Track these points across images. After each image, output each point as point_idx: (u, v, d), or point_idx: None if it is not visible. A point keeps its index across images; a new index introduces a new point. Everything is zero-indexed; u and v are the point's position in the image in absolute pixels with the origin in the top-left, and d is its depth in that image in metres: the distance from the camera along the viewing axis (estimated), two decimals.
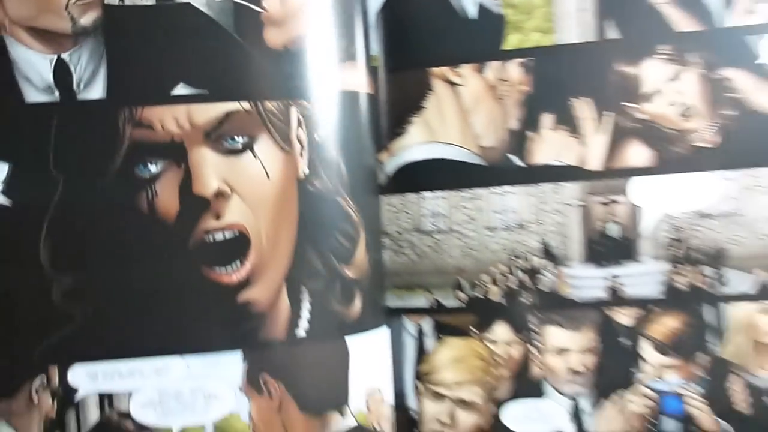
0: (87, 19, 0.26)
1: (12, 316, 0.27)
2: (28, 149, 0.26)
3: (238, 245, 0.27)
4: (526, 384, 0.29)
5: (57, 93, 0.27)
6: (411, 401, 0.30)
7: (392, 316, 0.30)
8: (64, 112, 0.26)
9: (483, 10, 0.28)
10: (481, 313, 0.29)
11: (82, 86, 0.26)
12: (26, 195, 0.27)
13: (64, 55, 0.26)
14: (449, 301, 0.29)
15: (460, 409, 0.30)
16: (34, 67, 0.26)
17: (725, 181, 0.27)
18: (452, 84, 0.29)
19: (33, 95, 0.26)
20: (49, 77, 0.26)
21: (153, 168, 0.26)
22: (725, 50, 0.27)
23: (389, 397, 0.29)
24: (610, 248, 0.28)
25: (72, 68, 0.26)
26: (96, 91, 0.26)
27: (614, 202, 0.28)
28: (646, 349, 0.28)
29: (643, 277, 0.28)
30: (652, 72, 0.27)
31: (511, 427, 0.29)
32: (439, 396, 0.30)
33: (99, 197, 0.26)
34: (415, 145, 0.29)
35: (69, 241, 0.27)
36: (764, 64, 0.26)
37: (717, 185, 0.27)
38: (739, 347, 0.28)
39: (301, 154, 0.26)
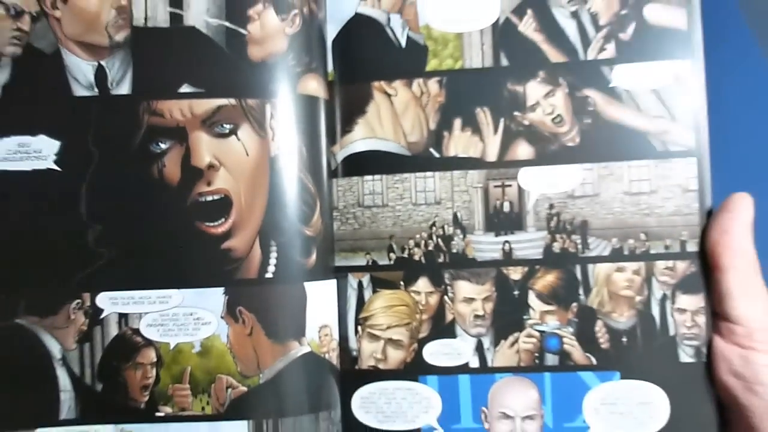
0: (120, 36, 0.36)
1: (58, 254, 0.36)
2: (74, 131, 0.36)
3: (223, 205, 0.35)
4: (442, 326, 0.37)
5: (96, 89, 0.36)
6: (353, 342, 0.37)
7: (339, 273, 0.37)
8: (101, 104, 0.36)
9: (411, 41, 0.37)
10: (407, 270, 0.37)
11: (114, 85, 0.36)
12: (72, 164, 0.36)
13: (103, 62, 0.36)
14: (383, 261, 0.37)
15: (391, 347, 0.37)
16: (81, 71, 0.36)
17: (585, 171, 0.36)
18: (388, 95, 0.37)
19: (79, 91, 0.36)
20: (91, 78, 0.36)
21: (162, 146, 0.35)
22: (585, 76, 0.36)
23: (336, 335, 0.37)
24: (504, 220, 0.36)
25: (108, 72, 0.36)
26: (124, 88, 0.36)
27: (507, 185, 0.36)
28: (532, 299, 0.36)
29: (529, 242, 0.36)
30: (533, 90, 0.36)
31: (429, 361, 0.37)
32: (374, 337, 0.37)
33: (123, 167, 0.36)
34: (359, 140, 0.37)
35: (100, 199, 0.36)
36: (613, 86, 0.36)
37: (580, 174, 0.36)
38: (601, 298, 0.36)
39: (273, 139, 0.35)
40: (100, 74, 0.36)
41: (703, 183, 0.35)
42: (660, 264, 0.36)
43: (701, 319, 0.35)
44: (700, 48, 0.36)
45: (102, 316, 0.36)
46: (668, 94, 0.36)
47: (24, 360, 0.36)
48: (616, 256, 0.36)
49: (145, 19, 0.36)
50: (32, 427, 0.36)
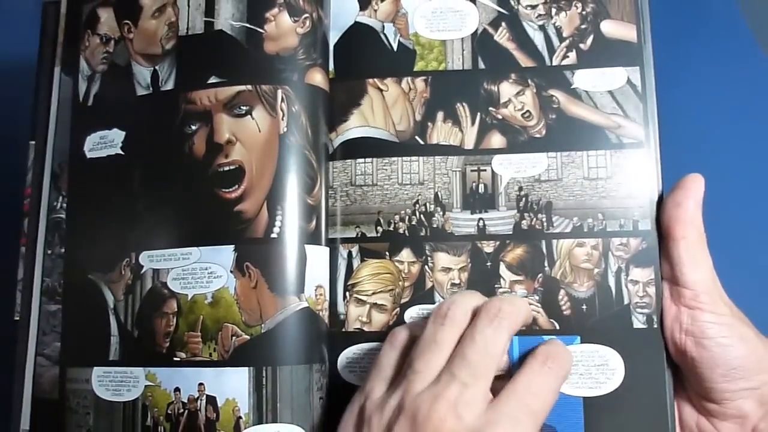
0: (169, 45, 0.47)
1: (118, 221, 0.46)
2: (134, 122, 0.47)
3: (237, 174, 0.43)
4: (422, 292, 0.44)
5: (151, 88, 0.46)
6: (341, 307, 0.44)
7: (332, 244, 0.45)
8: (153, 99, 0.46)
9: (402, 46, 0.46)
10: (392, 242, 0.44)
11: (163, 83, 0.46)
12: (132, 148, 0.47)
13: (157, 67, 0.47)
14: (371, 233, 0.44)
15: (375, 311, 0.44)
16: (143, 75, 0.47)
17: (550, 158, 0.44)
18: (380, 90, 0.45)
19: (140, 90, 0.47)
20: (149, 80, 0.47)
21: (193, 127, 0.45)
22: (550, 79, 0.45)
23: (328, 297, 0.44)
24: (479, 200, 0.44)
25: (159, 74, 0.46)
26: (170, 84, 0.46)
27: (482, 170, 0.44)
28: (502, 270, 0.43)
29: (500, 220, 0.44)
30: (506, 89, 0.45)
31: None
32: (360, 301, 0.44)
33: (164, 147, 0.45)
34: (354, 128, 0.45)
35: (148, 174, 0.46)
36: (574, 88, 0.45)
37: (545, 161, 0.44)
38: (563, 270, 0.43)
39: (282, 119, 0.44)
40: (154, 77, 0.47)
41: (652, 171, 0.43)
42: (615, 240, 0.43)
43: (652, 290, 0.42)
44: (650, 57, 0.45)
45: (142, 272, 0.45)
46: (621, 95, 0.44)
47: (91, 309, 0.46)
48: (576, 232, 0.43)
49: (187, 29, 0.46)
50: (90, 365, 0.45)
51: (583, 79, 0.45)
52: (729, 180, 0.59)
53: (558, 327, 0.43)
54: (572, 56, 0.45)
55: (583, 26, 0.45)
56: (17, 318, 0.47)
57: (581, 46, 0.45)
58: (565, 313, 0.43)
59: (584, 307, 0.43)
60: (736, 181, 0.61)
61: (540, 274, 0.43)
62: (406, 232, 0.45)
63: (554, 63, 0.45)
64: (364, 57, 0.46)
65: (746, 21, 0.63)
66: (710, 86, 0.64)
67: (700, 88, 0.64)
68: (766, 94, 0.62)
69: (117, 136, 0.47)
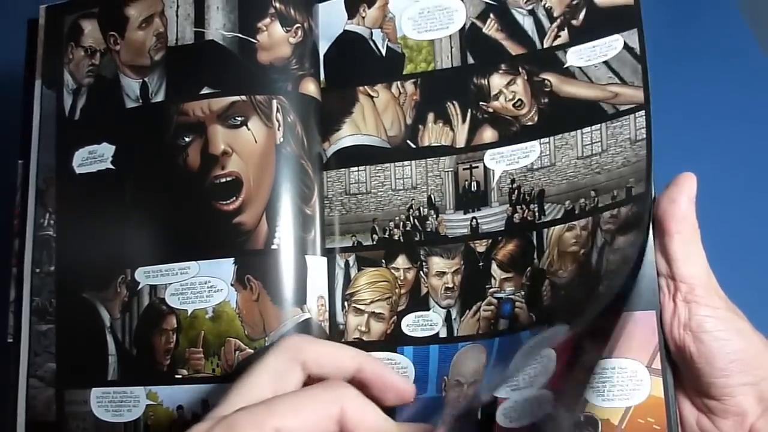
0: (158, 56, 0.50)
1: (111, 237, 0.49)
2: (125, 135, 0.50)
3: (235, 186, 0.47)
4: (417, 299, 0.46)
5: (141, 101, 0.50)
6: (339, 317, 0.47)
7: (329, 254, 0.48)
8: (143, 111, 0.50)
9: (390, 50, 0.49)
10: (387, 249, 0.47)
11: (153, 95, 0.50)
12: (122, 162, 0.50)
13: (146, 79, 0.50)
14: (367, 242, 0.47)
15: (373, 319, 0.47)
16: (131, 88, 0.51)
17: (543, 145, 0.45)
18: (370, 96, 0.49)
19: (129, 103, 0.51)
20: (138, 92, 0.50)
21: (187, 139, 0.48)
22: (542, 62, 0.46)
23: (328, 307, 0.47)
24: (472, 199, 0.46)
25: (149, 86, 0.50)
26: (160, 96, 0.50)
27: (474, 167, 0.46)
28: (494, 268, 0.45)
29: (493, 217, 0.45)
30: (496, 81, 0.46)
31: (406, 332, 0.46)
32: (359, 311, 0.47)
33: (156, 160, 0.49)
34: (346, 136, 0.49)
35: (140, 188, 0.49)
36: (568, 66, 0.45)
37: (537, 148, 0.45)
38: (551, 258, 0.44)
39: (279, 129, 0.48)
40: (144, 89, 0.50)
41: (650, 130, 0.43)
42: (606, 215, 0.43)
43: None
44: (641, 14, 0.44)
45: (139, 288, 0.48)
46: (617, 62, 0.44)
47: (86, 329, 0.49)
48: (567, 216, 0.44)
49: (176, 39, 0.51)
50: (89, 386, 0.48)
51: (576, 55, 0.45)
52: (729, 180, 0.64)
53: (535, 319, 0.43)
54: (564, 35, 0.46)
55: (574, 2, 0.46)
56: (11, 340, 0.50)
57: (573, 23, 0.46)
58: (545, 302, 0.43)
59: (562, 292, 0.43)
60: (736, 182, 0.65)
61: (528, 268, 0.44)
62: (401, 238, 0.47)
63: (545, 45, 0.46)
64: (354, 65, 0.51)
65: (746, 21, 0.68)
66: (711, 86, 0.68)
67: (701, 88, 0.68)
68: (766, 94, 0.66)
69: (107, 150, 0.50)
